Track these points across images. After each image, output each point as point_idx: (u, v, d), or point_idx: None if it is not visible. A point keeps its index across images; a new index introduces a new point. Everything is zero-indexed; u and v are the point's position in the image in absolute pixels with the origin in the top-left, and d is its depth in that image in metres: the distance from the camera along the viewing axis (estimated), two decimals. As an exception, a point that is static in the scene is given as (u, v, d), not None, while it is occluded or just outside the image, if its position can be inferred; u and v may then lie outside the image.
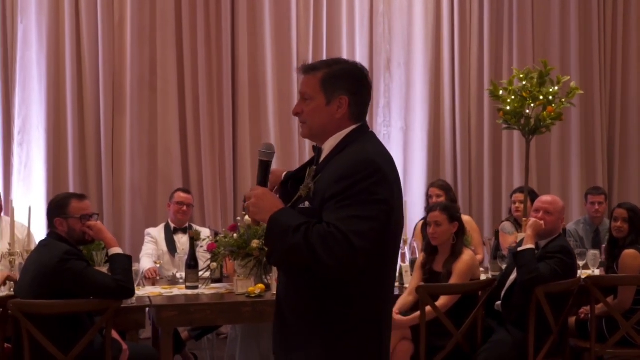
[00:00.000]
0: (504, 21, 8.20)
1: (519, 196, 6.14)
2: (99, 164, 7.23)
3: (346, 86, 2.60)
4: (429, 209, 4.96)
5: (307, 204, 2.55)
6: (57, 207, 4.17)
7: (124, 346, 4.28)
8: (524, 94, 5.53)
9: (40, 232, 5.76)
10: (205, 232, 5.97)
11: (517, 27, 8.17)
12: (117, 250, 4.20)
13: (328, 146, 2.62)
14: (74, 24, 7.15)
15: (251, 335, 5.55)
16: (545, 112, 5.50)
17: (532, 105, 5.57)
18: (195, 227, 6.26)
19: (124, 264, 4.13)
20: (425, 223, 6.31)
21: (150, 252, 6.00)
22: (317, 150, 2.67)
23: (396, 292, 4.98)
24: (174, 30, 7.40)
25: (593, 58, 8.29)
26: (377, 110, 7.95)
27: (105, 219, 7.11)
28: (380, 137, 7.62)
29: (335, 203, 2.44)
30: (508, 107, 5.57)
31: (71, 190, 7.07)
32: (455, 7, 8.06)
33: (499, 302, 4.82)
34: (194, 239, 5.31)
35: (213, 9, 7.46)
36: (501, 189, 8.14)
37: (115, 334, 4.20)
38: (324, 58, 7.67)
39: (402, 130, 7.99)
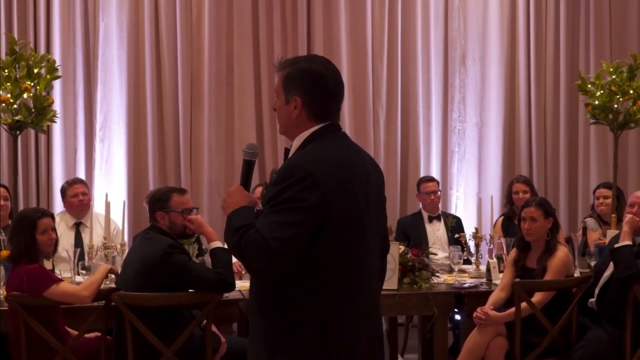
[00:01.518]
0: (580, 15, 8.07)
1: (603, 192, 6.05)
2: (177, 159, 7.32)
3: (300, 87, 2.61)
4: (524, 204, 4.90)
5: (260, 206, 2.63)
6: (158, 201, 4.22)
7: (222, 339, 4.32)
8: (613, 88, 5.44)
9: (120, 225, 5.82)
10: None
11: (594, 21, 8.03)
12: (217, 244, 4.24)
13: (294, 146, 2.65)
14: (153, 21, 7.25)
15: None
16: (635, 107, 5.41)
17: (621, 99, 5.48)
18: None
19: (225, 258, 4.16)
20: (506, 218, 6.32)
21: None
22: (286, 151, 2.70)
23: (484, 288, 4.98)
24: (251, 27, 7.44)
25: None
26: (452, 106, 7.90)
27: (183, 216, 7.18)
28: (455, 133, 7.74)
29: (268, 208, 2.49)
30: (597, 102, 5.49)
31: (151, 184, 7.20)
32: (531, 1, 7.97)
33: (592, 299, 4.76)
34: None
35: (289, 5, 7.49)
36: (577, 185, 8.03)
37: (213, 327, 4.24)
38: (399, 53, 7.71)
39: (477, 125, 7.93)
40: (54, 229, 4.27)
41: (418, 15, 7.77)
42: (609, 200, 5.84)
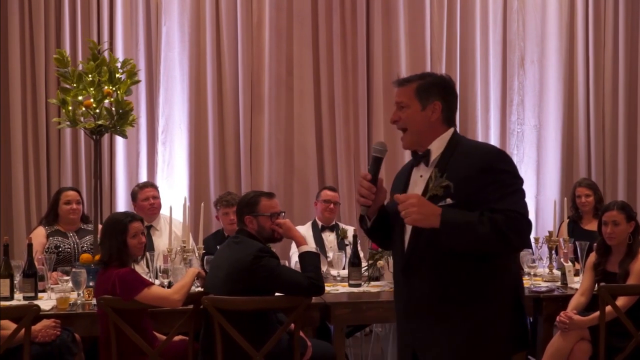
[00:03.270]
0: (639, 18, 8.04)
1: None
2: (237, 162, 7.37)
3: (438, 93, 2.94)
4: (604, 208, 4.86)
5: (449, 200, 2.78)
6: (247, 205, 4.24)
7: (309, 343, 4.34)
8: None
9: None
10: (350, 230, 6.01)
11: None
12: (306, 248, 4.26)
13: (435, 147, 2.92)
14: (214, 25, 7.30)
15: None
16: None
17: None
18: (342, 225, 6.31)
19: (314, 261, 4.18)
20: (571, 222, 6.28)
21: None
22: (421, 154, 2.94)
23: (560, 292, 4.95)
24: (310, 30, 7.48)
25: None
26: (511, 108, 7.88)
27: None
28: (514, 136, 7.73)
29: (493, 192, 2.76)
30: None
31: (212, 187, 7.25)
32: (590, 4, 7.94)
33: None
34: (355, 237, 5.34)
35: (348, 9, 7.51)
36: (636, 188, 7.97)
37: (300, 331, 4.26)
38: (458, 56, 7.71)
39: (536, 128, 7.91)
40: (143, 233, 4.32)
41: (477, 17, 7.77)
42: None
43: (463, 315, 2.81)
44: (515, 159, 7.76)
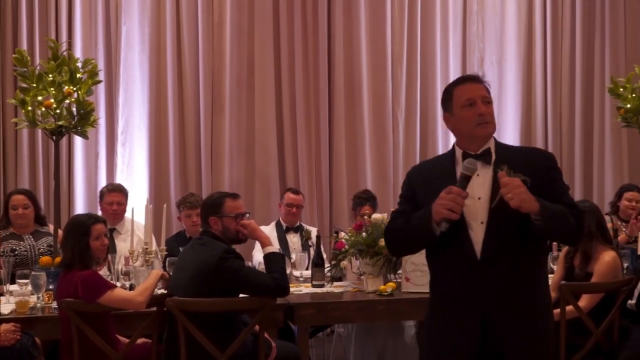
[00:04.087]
0: (596, 18, 8.19)
1: (634, 195, 6.12)
2: (198, 163, 7.33)
3: None
4: None
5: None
6: (211, 206, 4.21)
7: (273, 344, 4.33)
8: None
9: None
10: (313, 231, 6.01)
11: (609, 25, 8.17)
12: (271, 249, 4.25)
13: (492, 144, 3.04)
14: (174, 25, 7.27)
15: (366, 332, 5.60)
16: (669, 111, 5.48)
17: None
18: (306, 226, 6.31)
19: (279, 263, 4.17)
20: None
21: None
22: (480, 153, 3.00)
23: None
24: (272, 30, 7.48)
25: (685, 55, 8.26)
26: (470, 109, 7.93)
27: (205, 219, 7.19)
28: (474, 135, 7.75)
29: (557, 189, 2.99)
30: (629, 105, 5.54)
31: (172, 188, 7.21)
32: (548, 6, 8.09)
33: (631, 301, 4.81)
34: (319, 238, 5.35)
35: (310, 9, 7.54)
36: (592, 187, 8.11)
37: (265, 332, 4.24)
38: (418, 57, 7.76)
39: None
40: (106, 235, 4.26)
41: (437, 19, 7.85)
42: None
43: (539, 306, 3.02)
44: (475, 159, 7.85)
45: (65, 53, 4.82)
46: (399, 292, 4.81)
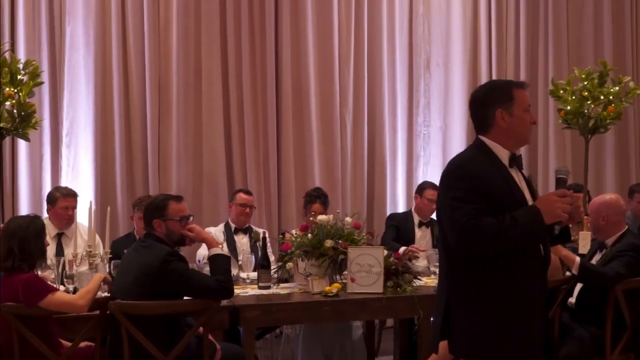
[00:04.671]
0: (540, 22, 8.39)
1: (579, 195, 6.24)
2: (145, 165, 7.27)
3: None
4: None
5: None
6: (155, 209, 4.19)
7: (218, 346, 4.32)
8: (584, 94, 5.62)
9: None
10: (262, 233, 5.99)
11: (552, 26, 8.38)
12: (217, 250, 4.25)
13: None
14: (120, 27, 7.19)
15: (313, 333, 5.63)
16: (605, 112, 5.60)
17: (592, 105, 5.67)
18: (255, 228, 6.31)
19: (224, 264, 4.17)
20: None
21: None
22: (517, 157, 3.18)
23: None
24: (219, 34, 7.45)
25: (626, 55, 8.51)
26: (417, 111, 8.07)
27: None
28: (420, 137, 7.89)
29: None
30: (569, 107, 5.66)
31: (118, 191, 7.14)
32: (492, 9, 8.25)
33: (571, 299, 4.91)
34: (265, 240, 5.35)
35: (257, 12, 7.54)
36: (537, 188, 8.24)
37: (209, 335, 4.24)
38: (365, 60, 7.82)
39: (442, 129, 8.12)
40: (46, 235, 4.22)
41: (384, 22, 7.92)
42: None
43: None
44: (421, 161, 7.98)
45: (6, 55, 4.75)
46: (344, 292, 4.85)
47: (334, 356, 5.66)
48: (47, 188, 6.79)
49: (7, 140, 6.62)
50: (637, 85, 8.24)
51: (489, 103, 3.14)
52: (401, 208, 7.84)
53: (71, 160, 7.09)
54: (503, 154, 3.13)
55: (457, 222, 2.98)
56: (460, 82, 8.14)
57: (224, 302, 4.52)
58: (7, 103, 4.68)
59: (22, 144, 6.89)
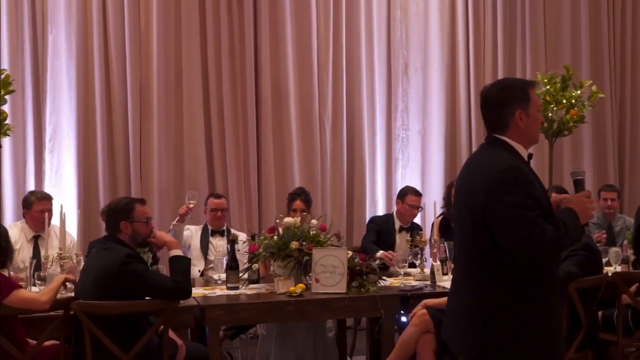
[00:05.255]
0: (517, 27, 8.50)
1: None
2: (127, 169, 7.42)
3: None
4: None
5: None
6: (122, 211, 4.33)
7: (179, 342, 4.46)
8: (547, 98, 5.74)
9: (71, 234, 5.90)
10: (242, 236, 6.13)
11: (530, 32, 8.48)
12: (177, 252, 4.39)
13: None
14: (101, 33, 7.35)
15: (286, 334, 5.74)
16: (568, 115, 5.72)
17: (555, 108, 5.79)
18: (234, 231, 6.45)
19: (183, 266, 4.32)
20: (444, 220, 6.52)
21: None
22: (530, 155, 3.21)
23: (429, 290, 5.22)
24: (199, 37, 7.60)
25: (604, 60, 8.60)
26: (396, 114, 8.18)
27: (135, 226, 7.31)
28: (399, 141, 8.01)
29: None
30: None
31: (101, 195, 7.31)
32: (470, 14, 8.36)
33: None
34: (234, 242, 5.50)
35: (236, 17, 7.67)
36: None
37: (171, 333, 4.38)
38: (344, 64, 7.95)
39: (420, 133, 8.23)
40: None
41: (362, 27, 8.04)
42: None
43: None
44: (400, 164, 8.10)
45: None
46: (309, 293, 4.98)
47: (306, 356, 5.76)
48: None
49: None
50: (612, 87, 8.47)
51: (506, 103, 3.12)
52: (380, 210, 7.96)
53: (54, 165, 7.25)
54: (524, 154, 3.15)
55: (523, 231, 2.91)
56: (439, 87, 8.25)
57: (188, 302, 4.68)
58: (-21, 110, 4.80)
59: (6, 150, 7.05)
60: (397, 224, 6.64)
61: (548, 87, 5.77)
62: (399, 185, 8.04)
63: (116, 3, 7.36)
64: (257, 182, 7.75)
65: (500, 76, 8.31)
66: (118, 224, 4.35)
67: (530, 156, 3.18)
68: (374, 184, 8.09)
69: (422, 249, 5.77)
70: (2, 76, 4.93)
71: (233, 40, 7.68)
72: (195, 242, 6.35)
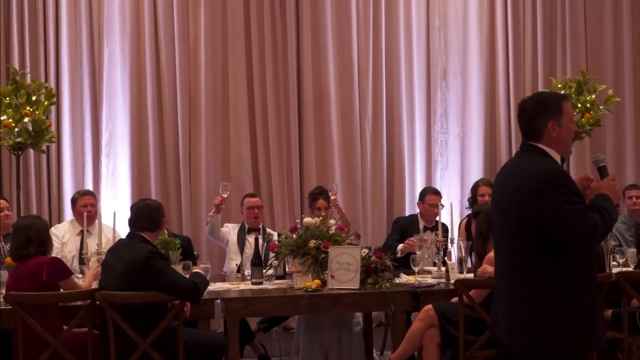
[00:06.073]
0: (557, 30, 8.60)
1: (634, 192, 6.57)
2: (177, 172, 7.94)
3: None
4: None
5: None
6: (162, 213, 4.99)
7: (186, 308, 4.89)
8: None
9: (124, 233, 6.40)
10: (275, 236, 6.49)
11: (570, 37, 8.56)
12: (199, 270, 5.04)
13: None
14: (153, 46, 7.90)
15: (313, 327, 6.05)
16: (583, 119, 5.86)
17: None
18: (269, 230, 6.83)
19: (203, 279, 4.87)
20: (469, 220, 6.70)
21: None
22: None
23: (441, 287, 5.46)
24: (244, 47, 8.06)
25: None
26: (435, 119, 8.43)
27: (184, 224, 7.87)
28: (438, 144, 8.21)
29: None
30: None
31: (153, 196, 7.78)
32: (509, 20, 8.51)
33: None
34: (262, 240, 5.86)
35: (279, 26, 8.11)
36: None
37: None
38: (383, 70, 8.24)
39: (459, 136, 8.45)
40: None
41: (401, 34, 8.34)
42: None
43: None
44: (439, 166, 8.33)
45: (21, 77, 5.44)
46: (324, 288, 5.31)
47: (331, 349, 6.04)
48: (89, 194, 7.53)
49: (54, 151, 7.50)
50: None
51: (539, 115, 3.43)
52: (421, 212, 8.20)
53: (110, 168, 7.84)
54: (557, 159, 3.49)
55: (579, 223, 3.27)
56: (478, 91, 8.45)
57: (210, 295, 5.09)
58: (25, 120, 5.33)
59: (66, 154, 7.68)
60: (422, 224, 6.88)
61: (562, 92, 5.92)
62: (439, 188, 8.25)
63: (167, 17, 7.90)
64: (299, 184, 8.14)
65: (540, 80, 8.44)
66: (161, 222, 4.92)
67: (562, 160, 3.54)
68: (413, 187, 8.34)
69: (439, 249, 6.00)
70: (44, 90, 5.42)
71: (276, 49, 8.10)
72: (233, 238, 6.77)
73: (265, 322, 6.54)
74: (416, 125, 8.36)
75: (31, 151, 7.46)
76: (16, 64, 7.50)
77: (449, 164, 8.41)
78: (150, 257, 4.62)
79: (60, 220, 7.48)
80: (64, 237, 6.31)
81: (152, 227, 4.86)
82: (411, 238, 6.34)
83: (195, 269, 5.02)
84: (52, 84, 7.52)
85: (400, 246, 6.37)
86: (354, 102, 8.20)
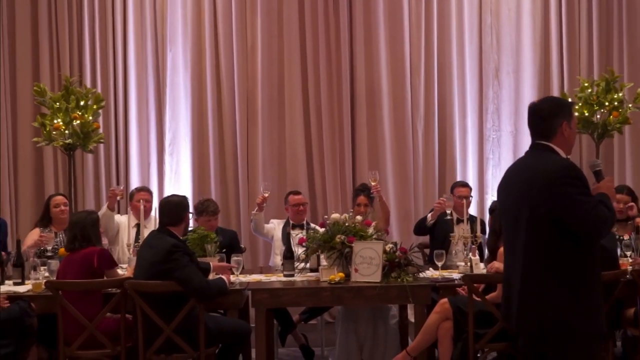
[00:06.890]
0: (614, 28, 8.51)
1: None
2: (235, 170, 8.38)
3: None
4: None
5: None
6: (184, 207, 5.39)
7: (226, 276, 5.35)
8: (591, 101, 5.94)
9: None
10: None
11: (627, 34, 8.45)
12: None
13: None
14: (213, 51, 8.37)
15: (350, 319, 6.29)
16: (611, 117, 5.89)
17: (602, 111, 5.97)
18: (313, 225, 7.12)
19: (219, 283, 5.20)
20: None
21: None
22: None
23: (459, 282, 5.60)
24: (299, 51, 8.42)
25: None
26: (487, 116, 8.52)
27: (242, 222, 8.28)
28: (490, 141, 8.32)
29: None
30: (576, 114, 6.00)
31: (213, 193, 8.24)
32: (564, 18, 8.49)
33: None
34: (289, 235, 6.16)
35: (333, 30, 8.42)
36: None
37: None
38: (435, 68, 8.41)
39: (512, 134, 8.50)
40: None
41: (453, 32, 8.50)
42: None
43: None
44: (491, 163, 8.42)
45: (72, 84, 5.96)
46: (348, 281, 5.55)
47: (367, 341, 6.26)
48: (154, 191, 8.03)
49: (122, 151, 8.07)
50: None
51: (556, 115, 3.67)
52: (472, 209, 8.29)
53: (173, 166, 8.35)
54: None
55: (591, 213, 3.47)
56: (531, 89, 8.47)
57: (239, 286, 5.45)
58: (75, 122, 5.85)
59: (133, 153, 8.24)
60: (455, 216, 7.00)
61: (589, 90, 5.96)
62: (490, 184, 8.39)
63: (226, 24, 8.35)
64: (352, 181, 8.41)
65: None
66: (184, 216, 5.30)
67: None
68: (465, 183, 8.45)
69: (465, 244, 6.16)
70: (91, 95, 5.92)
71: (330, 48, 8.41)
72: (278, 234, 7.09)
73: (306, 312, 6.82)
74: (468, 122, 8.49)
75: (102, 151, 8.12)
76: (88, 72, 8.10)
77: (501, 161, 8.48)
78: (172, 251, 5.02)
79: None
80: (118, 229, 6.81)
81: (174, 221, 5.25)
82: (441, 198, 6.55)
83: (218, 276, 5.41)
84: (120, 89, 8.14)
85: (430, 214, 6.58)
86: (406, 99, 8.41)
